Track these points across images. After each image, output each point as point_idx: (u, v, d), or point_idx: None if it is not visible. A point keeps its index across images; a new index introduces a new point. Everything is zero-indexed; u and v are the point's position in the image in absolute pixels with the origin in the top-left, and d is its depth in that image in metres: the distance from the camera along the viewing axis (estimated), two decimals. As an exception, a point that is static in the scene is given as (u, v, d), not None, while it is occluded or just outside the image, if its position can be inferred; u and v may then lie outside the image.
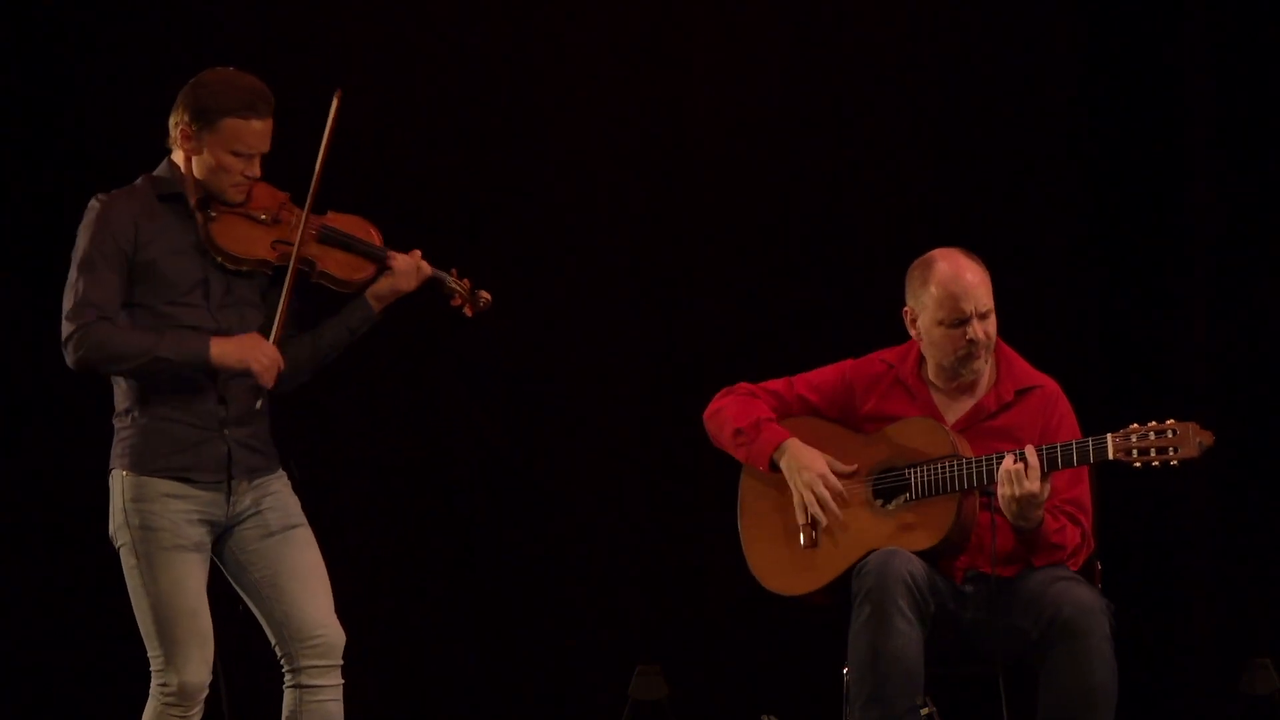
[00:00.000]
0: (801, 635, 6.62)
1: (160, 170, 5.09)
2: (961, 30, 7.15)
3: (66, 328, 4.95)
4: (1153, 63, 7.06)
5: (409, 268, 5.17)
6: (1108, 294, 7.08)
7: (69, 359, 4.95)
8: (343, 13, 7.14)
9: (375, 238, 5.19)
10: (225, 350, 4.96)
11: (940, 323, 5.37)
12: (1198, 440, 5.13)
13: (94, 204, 5.03)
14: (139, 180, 5.09)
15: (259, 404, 5.04)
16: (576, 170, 7.20)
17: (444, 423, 7.16)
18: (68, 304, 4.96)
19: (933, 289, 5.36)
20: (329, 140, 5.09)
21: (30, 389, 6.94)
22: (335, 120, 5.09)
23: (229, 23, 7.05)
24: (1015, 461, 5.17)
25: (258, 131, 5.02)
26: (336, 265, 5.13)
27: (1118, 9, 7.08)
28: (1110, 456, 5.17)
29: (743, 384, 5.63)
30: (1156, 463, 5.15)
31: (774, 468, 5.49)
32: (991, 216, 7.06)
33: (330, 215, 5.15)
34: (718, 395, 5.64)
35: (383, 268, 5.16)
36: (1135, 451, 5.15)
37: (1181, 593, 7.04)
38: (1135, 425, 5.18)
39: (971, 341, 5.35)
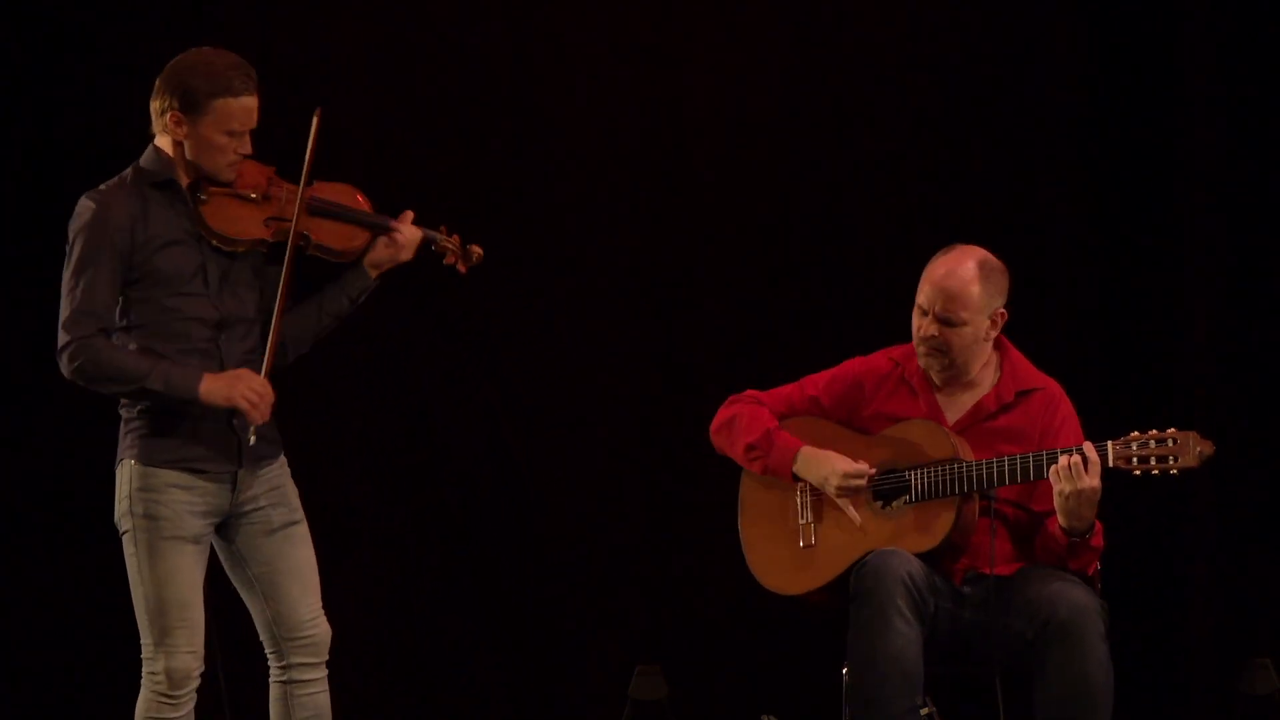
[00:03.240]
0: (801, 635, 6.62)
1: (146, 158, 5.02)
2: (961, 30, 7.14)
3: (63, 336, 4.90)
4: (1153, 63, 7.06)
5: (410, 239, 5.17)
6: (1108, 295, 7.08)
7: (64, 369, 4.91)
8: (343, 12, 7.14)
9: (364, 204, 5.18)
10: (213, 388, 4.91)
11: (916, 306, 5.39)
12: (1198, 450, 5.13)
13: (87, 203, 4.95)
14: (126, 171, 5.02)
15: (251, 439, 4.99)
16: (576, 170, 7.19)
17: (443, 422, 7.16)
18: (65, 312, 4.90)
19: (923, 274, 5.38)
20: (319, 121, 5.05)
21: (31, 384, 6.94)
22: (318, 135, 5.05)
23: (229, 23, 7.04)
24: (1070, 457, 5.15)
25: (248, 108, 4.98)
26: (331, 236, 5.11)
27: (1118, 9, 7.07)
28: (1110, 464, 5.17)
29: (749, 391, 5.62)
30: (1156, 471, 5.16)
31: (796, 478, 5.48)
32: (992, 216, 7.05)
33: (318, 185, 5.11)
34: (724, 404, 5.62)
35: (379, 234, 5.15)
36: (1135, 460, 5.15)
37: (1181, 593, 7.04)
38: (1135, 433, 5.18)
39: (920, 334, 5.35)
